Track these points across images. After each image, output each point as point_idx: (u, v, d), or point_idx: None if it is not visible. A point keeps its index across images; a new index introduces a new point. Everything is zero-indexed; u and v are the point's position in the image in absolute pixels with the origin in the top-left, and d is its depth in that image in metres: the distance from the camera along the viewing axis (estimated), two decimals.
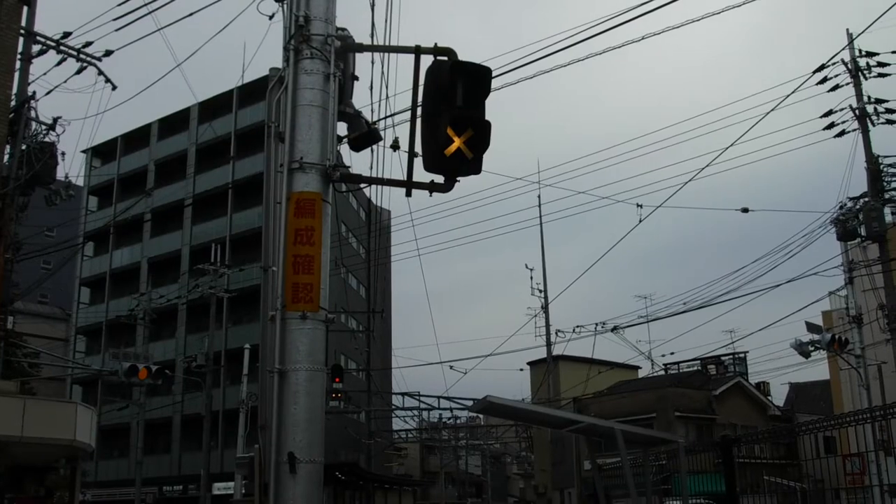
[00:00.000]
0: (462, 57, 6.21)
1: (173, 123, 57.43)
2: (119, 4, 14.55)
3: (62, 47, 18.73)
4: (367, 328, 50.16)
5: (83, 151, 54.65)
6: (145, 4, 13.66)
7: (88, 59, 18.91)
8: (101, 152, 60.19)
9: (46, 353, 35.49)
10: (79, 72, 18.96)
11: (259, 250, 48.15)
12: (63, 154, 18.51)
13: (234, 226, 51.25)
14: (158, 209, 54.03)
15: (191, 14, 12.38)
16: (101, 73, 19.21)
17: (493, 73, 6.52)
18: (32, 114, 18.17)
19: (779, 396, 52.46)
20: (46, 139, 18.19)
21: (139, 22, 13.95)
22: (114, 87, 19.64)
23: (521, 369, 51.95)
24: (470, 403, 38.35)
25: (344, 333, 49.62)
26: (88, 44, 18.72)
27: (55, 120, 18.39)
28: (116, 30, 15.11)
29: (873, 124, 22.33)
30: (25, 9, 18.22)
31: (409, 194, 6.37)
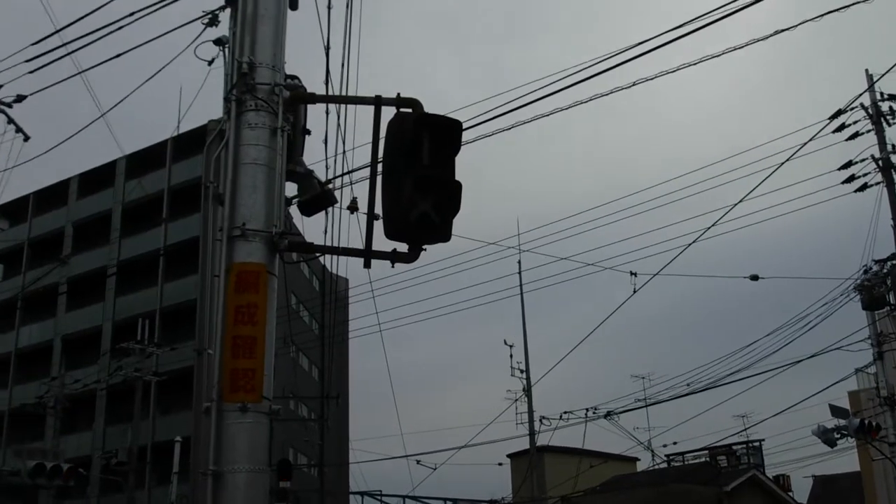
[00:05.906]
0: (435, 109, 6.22)
1: (96, 179, 57.22)
2: (34, 43, 14.62)
3: None
4: (321, 416, 49.58)
5: None
6: (65, 44, 13.75)
7: None
8: (10, 212, 59.81)
9: None
10: None
11: (194, 326, 47.84)
12: None
13: (166, 298, 50.79)
14: (76, 278, 53.52)
15: (118, 56, 12.43)
16: (11, 121, 19.19)
17: (467, 125, 6.59)
18: None
19: (802, 492, 52.34)
20: None
21: (58, 63, 13.99)
22: (26, 138, 19.59)
23: (501, 463, 51.36)
24: None
25: (293, 423, 49.03)
26: None
27: None
28: (30, 72, 15.16)
29: None
30: None
31: (367, 265, 6.36)
